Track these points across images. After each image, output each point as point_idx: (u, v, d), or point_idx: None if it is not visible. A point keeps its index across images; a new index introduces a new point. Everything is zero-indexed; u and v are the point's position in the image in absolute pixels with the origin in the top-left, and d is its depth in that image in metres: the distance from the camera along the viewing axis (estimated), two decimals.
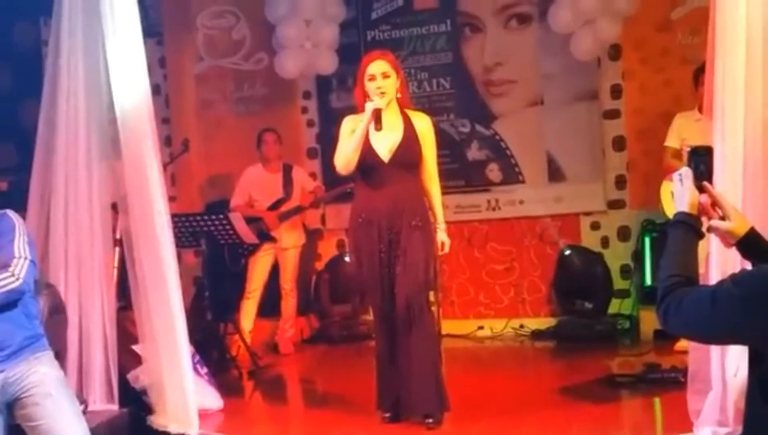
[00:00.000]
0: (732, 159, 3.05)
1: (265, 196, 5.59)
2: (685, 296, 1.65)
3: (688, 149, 1.98)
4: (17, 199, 3.80)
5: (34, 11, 5.52)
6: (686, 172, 1.90)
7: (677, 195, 1.90)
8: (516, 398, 4.02)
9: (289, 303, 5.60)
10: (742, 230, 1.83)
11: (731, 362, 2.80)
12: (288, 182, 5.63)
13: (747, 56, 3.05)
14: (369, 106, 3.58)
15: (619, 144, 5.80)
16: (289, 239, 5.59)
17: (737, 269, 2.00)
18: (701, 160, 1.92)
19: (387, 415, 3.68)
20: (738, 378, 2.72)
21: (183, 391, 3.57)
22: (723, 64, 3.09)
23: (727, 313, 1.52)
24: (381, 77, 3.63)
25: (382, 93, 3.62)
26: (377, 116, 3.56)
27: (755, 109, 3.05)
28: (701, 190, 1.86)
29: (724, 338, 1.73)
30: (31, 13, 5.61)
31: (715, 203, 1.87)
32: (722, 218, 1.86)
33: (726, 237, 1.87)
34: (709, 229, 1.88)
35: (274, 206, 5.56)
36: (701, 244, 2.14)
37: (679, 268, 1.75)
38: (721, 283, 1.61)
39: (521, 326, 5.83)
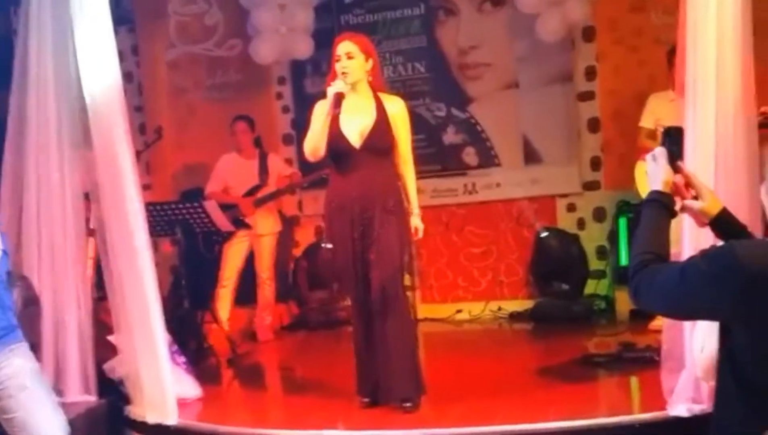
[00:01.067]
0: (704, 138, 3.07)
1: (241, 183, 5.56)
2: (656, 273, 1.67)
3: (662, 129, 2.00)
4: None
5: (4, 1, 5.43)
6: (660, 152, 1.91)
7: (651, 174, 1.91)
8: (494, 380, 4.05)
9: (265, 290, 5.58)
10: (714, 210, 1.85)
11: (697, 339, 2.84)
12: (263, 169, 5.60)
13: (718, 35, 3.06)
14: (330, 90, 3.56)
15: (593, 125, 5.83)
16: (265, 226, 5.56)
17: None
18: (674, 141, 1.94)
19: (366, 400, 3.69)
20: (704, 354, 2.76)
21: (160, 380, 3.55)
22: (694, 44, 3.11)
23: (696, 288, 1.54)
24: (345, 57, 3.58)
25: (344, 73, 3.57)
26: (337, 100, 3.53)
27: (726, 88, 3.08)
28: (675, 169, 1.88)
29: (694, 313, 1.75)
30: (1, 2, 5.51)
31: (688, 183, 1.89)
32: (695, 198, 1.88)
33: (699, 216, 1.88)
34: (683, 209, 1.89)
35: (250, 193, 5.53)
36: (675, 224, 2.17)
37: (651, 246, 1.77)
38: (690, 259, 1.63)
39: (499, 309, 5.87)
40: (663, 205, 1.84)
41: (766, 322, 1.42)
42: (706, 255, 1.58)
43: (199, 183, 5.86)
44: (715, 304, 1.51)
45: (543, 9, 5.43)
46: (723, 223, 1.86)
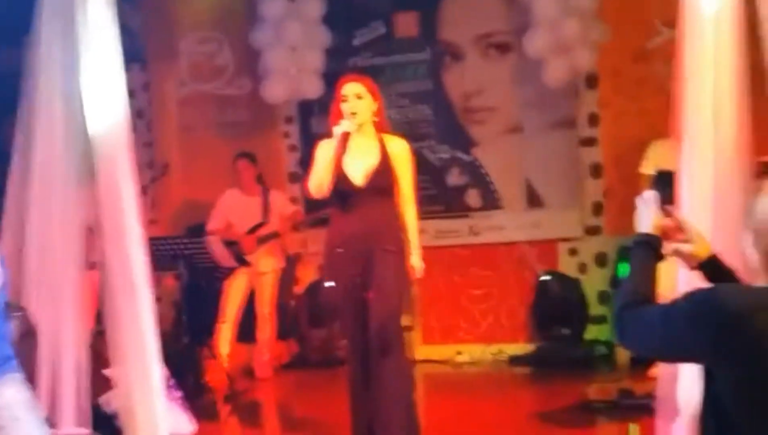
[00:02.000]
0: (700, 184, 3.09)
1: (243, 220, 5.58)
2: (641, 314, 1.68)
3: (653, 173, 2.01)
4: None
5: (16, 34, 5.53)
6: (650, 196, 1.92)
7: (640, 218, 1.92)
8: (491, 424, 4.02)
9: (265, 328, 5.56)
10: (704, 254, 1.86)
11: (685, 380, 2.82)
12: (266, 206, 5.63)
13: (715, 82, 3.10)
14: (336, 130, 3.61)
15: (596, 171, 5.87)
16: (267, 264, 5.58)
17: None
18: (665, 184, 1.95)
19: None
20: (691, 396, 2.74)
21: (154, 414, 3.53)
22: (691, 89, 3.14)
23: (679, 330, 1.54)
24: (354, 98, 3.65)
25: (353, 114, 3.63)
26: (345, 139, 3.58)
27: (723, 135, 3.10)
28: (665, 213, 1.89)
29: (677, 355, 1.75)
30: (13, 36, 5.62)
31: (678, 227, 1.90)
32: (685, 242, 1.89)
33: (689, 260, 1.89)
34: (673, 252, 1.90)
35: (253, 230, 5.55)
36: (671, 271, 2.17)
37: (637, 286, 1.78)
38: (674, 301, 1.64)
39: (500, 351, 5.84)
40: (650, 247, 1.85)
41: (746, 365, 1.42)
42: (689, 297, 1.59)
43: (205, 219, 5.91)
44: (696, 345, 1.51)
45: (548, 55, 5.51)
46: (713, 267, 1.87)
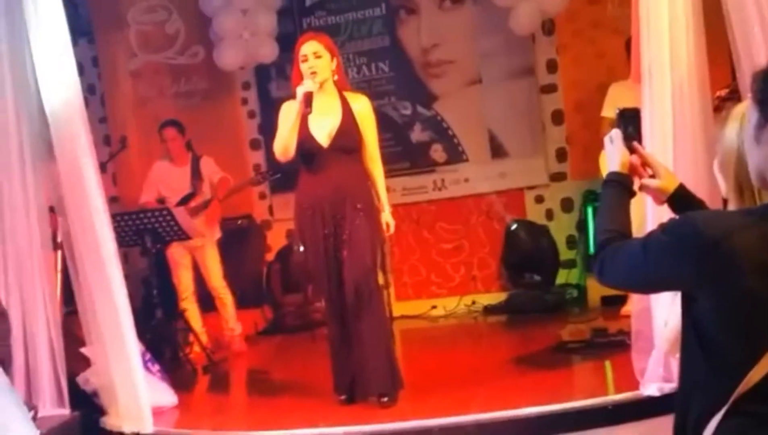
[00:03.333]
0: (661, 121, 3.14)
1: (174, 192, 5.31)
2: (619, 249, 1.70)
3: (617, 112, 2.02)
4: None
5: None
6: (616, 134, 1.94)
7: (608, 156, 1.94)
8: (470, 372, 4.08)
9: (225, 302, 5.32)
10: (671, 187, 1.89)
11: (660, 314, 2.89)
12: (196, 175, 5.35)
13: (671, 21, 3.13)
14: (299, 90, 3.56)
15: (557, 118, 5.90)
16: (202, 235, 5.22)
17: None
18: (629, 122, 1.96)
19: (343, 397, 3.70)
20: (668, 327, 2.81)
21: (134, 389, 3.53)
22: (648, 31, 3.17)
23: (658, 259, 1.57)
24: (313, 57, 3.60)
25: (313, 72, 3.58)
26: (308, 99, 3.54)
27: (681, 73, 3.14)
28: (631, 150, 1.91)
29: (658, 285, 1.78)
30: None
31: (644, 162, 1.92)
32: (652, 177, 1.91)
33: (657, 194, 1.92)
34: (641, 188, 1.93)
35: (184, 202, 5.24)
36: (639, 208, 2.20)
37: (612, 224, 1.80)
38: (651, 233, 1.65)
39: (473, 303, 5.91)
40: (621, 185, 1.87)
41: (727, 285, 1.45)
42: (665, 227, 1.61)
43: None
44: (677, 272, 1.54)
45: (514, 3, 5.46)
46: (680, 200, 1.90)
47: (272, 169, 5.48)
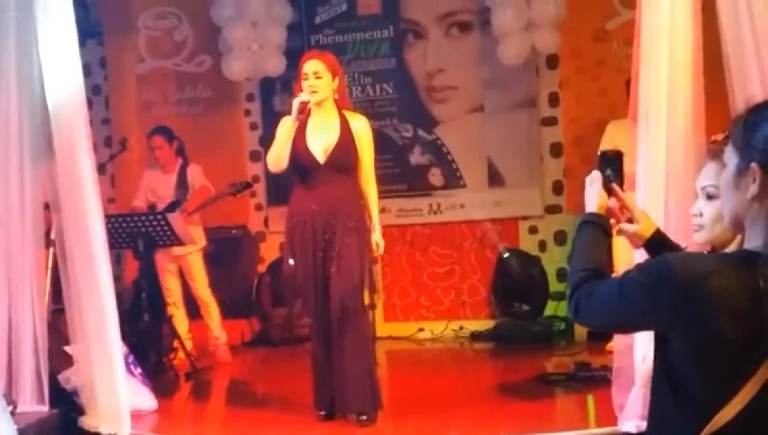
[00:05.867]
0: (655, 161, 3.17)
1: (161, 199, 5.31)
2: (594, 288, 1.70)
3: (599, 153, 2.01)
4: None
5: None
6: (596, 176, 1.93)
7: (587, 197, 1.92)
8: (451, 396, 4.08)
9: (210, 311, 5.30)
10: (648, 232, 1.90)
11: (639, 350, 2.91)
12: (182, 183, 5.32)
13: (670, 64, 3.17)
14: (295, 102, 3.61)
15: (556, 150, 5.95)
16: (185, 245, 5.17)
17: None
18: (609, 164, 1.94)
19: (322, 413, 3.70)
20: (645, 364, 2.83)
21: (114, 391, 3.53)
22: (647, 72, 3.21)
23: (633, 299, 1.58)
24: (313, 77, 3.65)
25: (313, 92, 3.63)
26: (302, 108, 3.57)
27: (677, 116, 3.18)
28: (609, 193, 1.91)
29: (632, 325, 1.80)
30: None
31: (623, 206, 1.92)
32: (630, 221, 1.92)
33: (634, 239, 1.93)
34: (618, 232, 1.93)
35: (170, 209, 5.17)
36: (626, 250, 2.20)
37: (588, 263, 1.80)
38: (627, 273, 1.67)
39: (461, 328, 5.92)
40: (597, 225, 1.87)
41: (700, 327, 1.47)
42: (641, 267, 1.63)
43: None
44: (651, 312, 1.55)
45: (512, 35, 5.54)
46: (657, 244, 1.91)
47: (267, 181, 5.44)
